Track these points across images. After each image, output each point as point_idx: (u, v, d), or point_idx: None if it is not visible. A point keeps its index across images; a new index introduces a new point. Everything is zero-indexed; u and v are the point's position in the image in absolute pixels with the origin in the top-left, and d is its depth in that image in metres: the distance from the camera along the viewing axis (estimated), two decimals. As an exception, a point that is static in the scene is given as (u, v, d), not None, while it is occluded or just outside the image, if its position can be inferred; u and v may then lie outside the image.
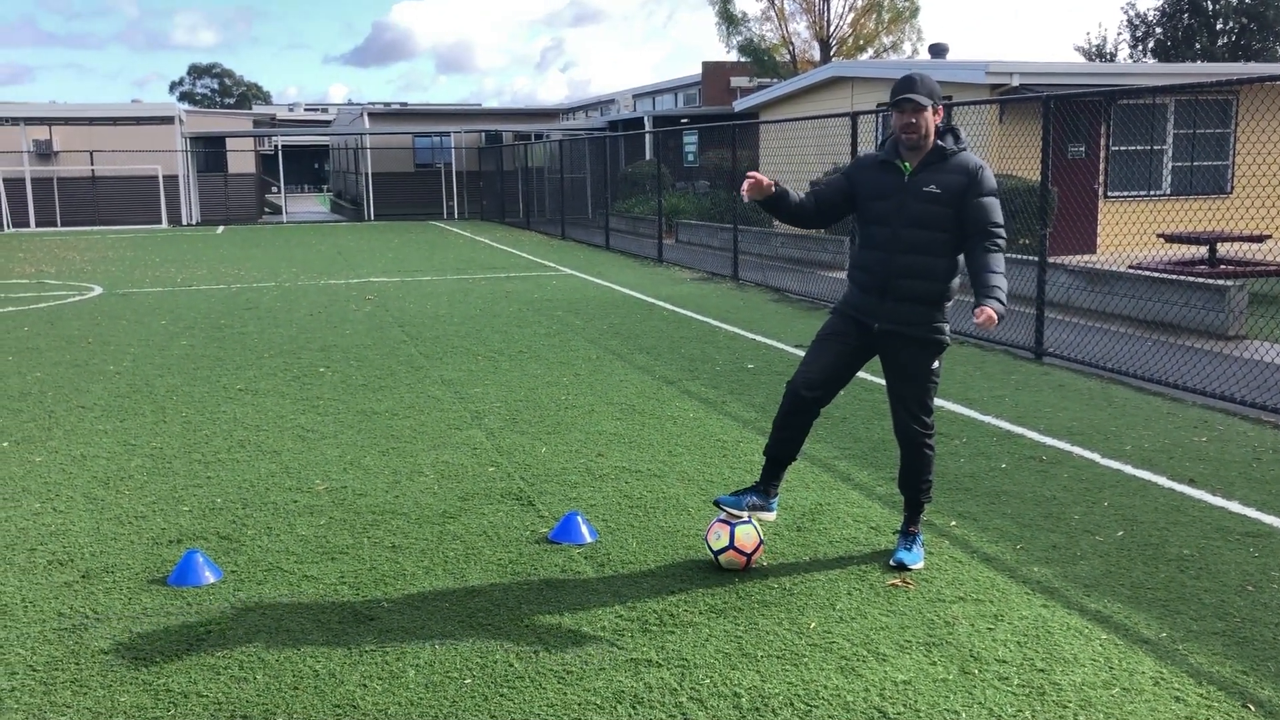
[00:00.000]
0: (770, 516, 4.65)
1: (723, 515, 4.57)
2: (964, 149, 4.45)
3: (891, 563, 4.53)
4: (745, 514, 4.57)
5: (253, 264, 19.12)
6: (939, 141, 4.42)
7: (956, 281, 4.53)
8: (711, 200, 23.51)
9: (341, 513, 5.30)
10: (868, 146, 19.16)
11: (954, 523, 5.08)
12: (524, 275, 16.67)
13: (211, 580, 4.43)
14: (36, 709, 3.42)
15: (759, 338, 10.13)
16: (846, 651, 3.78)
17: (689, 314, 11.84)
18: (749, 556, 4.49)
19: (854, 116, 12.23)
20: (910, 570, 4.49)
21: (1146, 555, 4.65)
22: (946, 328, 4.56)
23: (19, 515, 5.31)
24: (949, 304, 4.54)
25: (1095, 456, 6.15)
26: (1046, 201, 9.41)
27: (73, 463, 6.24)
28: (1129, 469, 5.90)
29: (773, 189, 4.46)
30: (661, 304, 12.74)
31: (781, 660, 3.72)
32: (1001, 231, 4.39)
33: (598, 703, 3.44)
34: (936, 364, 4.56)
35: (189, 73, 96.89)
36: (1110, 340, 9.28)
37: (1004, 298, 4.28)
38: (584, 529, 4.92)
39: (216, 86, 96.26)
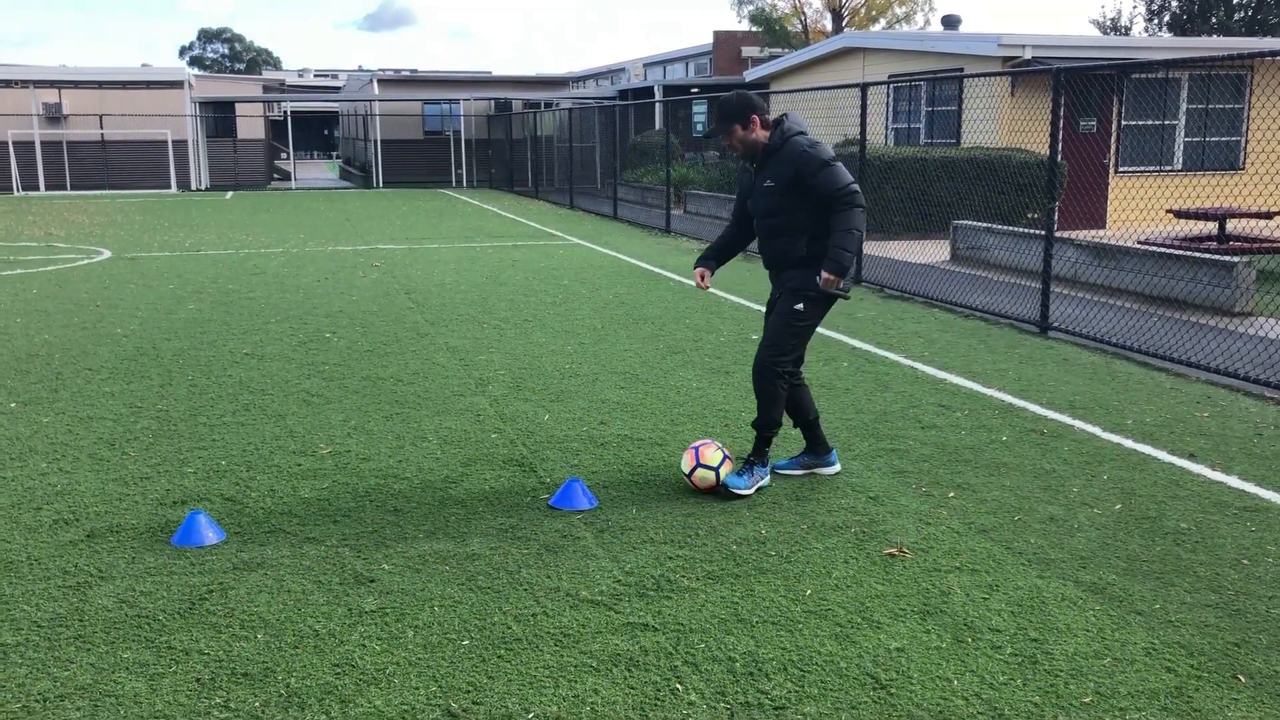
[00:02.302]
0: (831, 470, 5.40)
1: (695, 443, 5.16)
2: (789, 139, 5.00)
3: (723, 482, 5.04)
4: (801, 473, 5.34)
5: (261, 230, 19.13)
6: (765, 143, 5.05)
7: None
8: (721, 171, 23.43)
9: (345, 476, 5.35)
10: (879, 117, 19.08)
11: (952, 494, 5.10)
12: (531, 244, 16.66)
13: (214, 541, 4.47)
14: (41, 664, 3.48)
15: (763, 309, 10.12)
16: (841, 618, 3.82)
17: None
18: (716, 470, 5.04)
19: (864, 87, 12.17)
20: (733, 492, 5.00)
21: (1144, 528, 4.67)
22: (819, 279, 4.97)
23: (26, 474, 5.36)
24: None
25: (1096, 430, 6.16)
26: (1056, 175, 9.36)
27: (79, 424, 6.28)
28: (1129, 443, 5.91)
29: (712, 265, 5.41)
30: (668, 274, 12.74)
31: (777, 626, 3.76)
32: (847, 190, 4.89)
33: (594, 665, 3.48)
34: (800, 306, 5.05)
35: (199, 37, 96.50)
36: (1116, 315, 9.26)
37: (845, 258, 4.88)
38: (584, 496, 4.96)
39: (226, 51, 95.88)
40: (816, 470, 5.36)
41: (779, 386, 5.12)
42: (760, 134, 5.05)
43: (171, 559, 4.31)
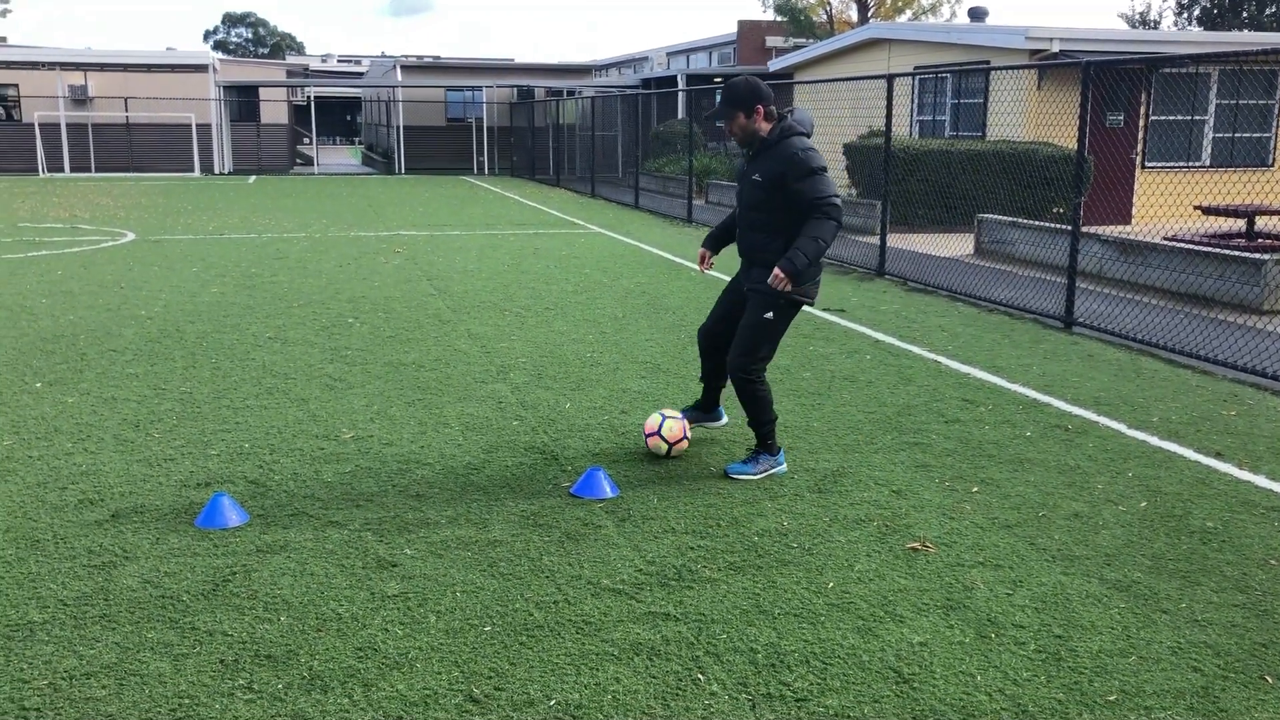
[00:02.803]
0: (720, 423, 5.82)
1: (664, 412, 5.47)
2: (786, 138, 5.00)
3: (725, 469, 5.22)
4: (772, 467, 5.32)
5: (284, 214, 19.19)
6: (764, 136, 5.05)
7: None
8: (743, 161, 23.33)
9: (367, 461, 5.36)
10: (903, 109, 18.96)
11: (975, 489, 5.07)
12: (552, 232, 16.66)
13: (238, 523, 4.49)
14: (67, 642, 3.50)
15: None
16: (864, 612, 3.80)
17: (716, 274, 11.79)
18: (670, 443, 5.37)
19: (890, 79, 12.09)
20: (733, 478, 5.13)
21: (1169, 526, 4.63)
22: (792, 288, 5.02)
23: (51, 454, 5.40)
24: (805, 269, 5.03)
25: (1121, 427, 6.11)
26: (1083, 170, 9.29)
27: (104, 404, 6.32)
28: (1155, 440, 5.87)
29: (712, 247, 5.52)
30: (689, 264, 12.71)
31: (799, 618, 3.74)
32: (826, 201, 4.90)
33: (615, 654, 3.48)
34: (770, 315, 5.09)
35: (223, 21, 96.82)
36: (1142, 311, 9.18)
37: (799, 259, 4.88)
38: (605, 484, 4.96)
39: (250, 36, 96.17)
40: (706, 424, 5.76)
41: (758, 389, 5.20)
42: (762, 124, 5.05)
43: (195, 540, 4.33)
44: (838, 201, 4.94)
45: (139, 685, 3.25)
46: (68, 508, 4.68)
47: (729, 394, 5.69)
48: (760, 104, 5.02)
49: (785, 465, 5.30)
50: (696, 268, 5.56)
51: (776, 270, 4.90)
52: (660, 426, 5.40)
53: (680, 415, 5.48)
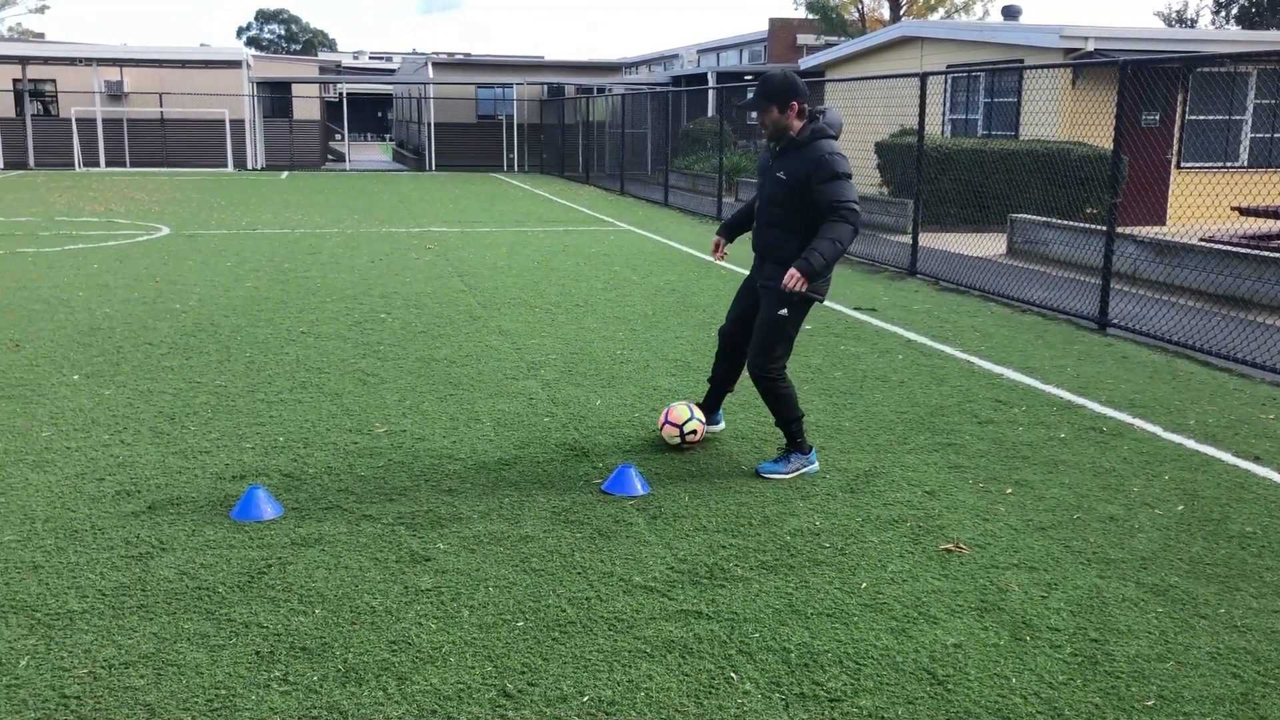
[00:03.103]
0: (717, 428, 5.80)
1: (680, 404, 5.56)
2: (816, 139, 4.97)
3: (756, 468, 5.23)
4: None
5: (316, 210, 19.32)
6: (794, 134, 5.02)
7: None
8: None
9: (400, 455, 5.39)
10: (936, 107, 18.84)
11: (1010, 490, 5.04)
12: (582, 230, 16.68)
13: (273, 516, 4.53)
14: (106, 631, 3.54)
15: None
16: (897, 613, 3.78)
17: (730, 266, 11.79)
18: (680, 427, 5.46)
19: (924, 77, 12.02)
20: (764, 477, 5.12)
21: (1207, 531, 4.58)
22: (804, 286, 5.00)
23: (89, 445, 5.46)
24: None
25: (1157, 430, 6.05)
26: (1118, 170, 9.19)
27: (140, 397, 6.39)
28: (1192, 444, 5.80)
29: (726, 235, 5.56)
30: (719, 263, 12.69)
31: (832, 618, 3.73)
32: (846, 205, 4.89)
33: (648, 651, 3.48)
34: (784, 311, 5.09)
35: (256, 17, 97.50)
36: (1177, 313, 9.08)
37: (815, 260, 4.85)
38: (637, 481, 4.96)
39: (283, 32, 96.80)
40: (707, 428, 5.73)
41: (779, 387, 5.19)
42: (794, 121, 5.01)
43: (231, 533, 4.37)
44: (857, 208, 4.94)
45: (176, 675, 3.28)
46: (105, 499, 4.73)
47: (750, 394, 5.68)
48: (795, 100, 4.99)
49: (817, 464, 5.28)
50: (741, 269, 5.55)
51: (792, 270, 4.86)
52: (684, 424, 5.47)
53: (704, 420, 5.57)
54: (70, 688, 3.20)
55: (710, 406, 5.73)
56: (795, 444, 5.23)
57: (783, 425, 5.24)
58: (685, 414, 5.48)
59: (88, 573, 3.97)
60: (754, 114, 5.06)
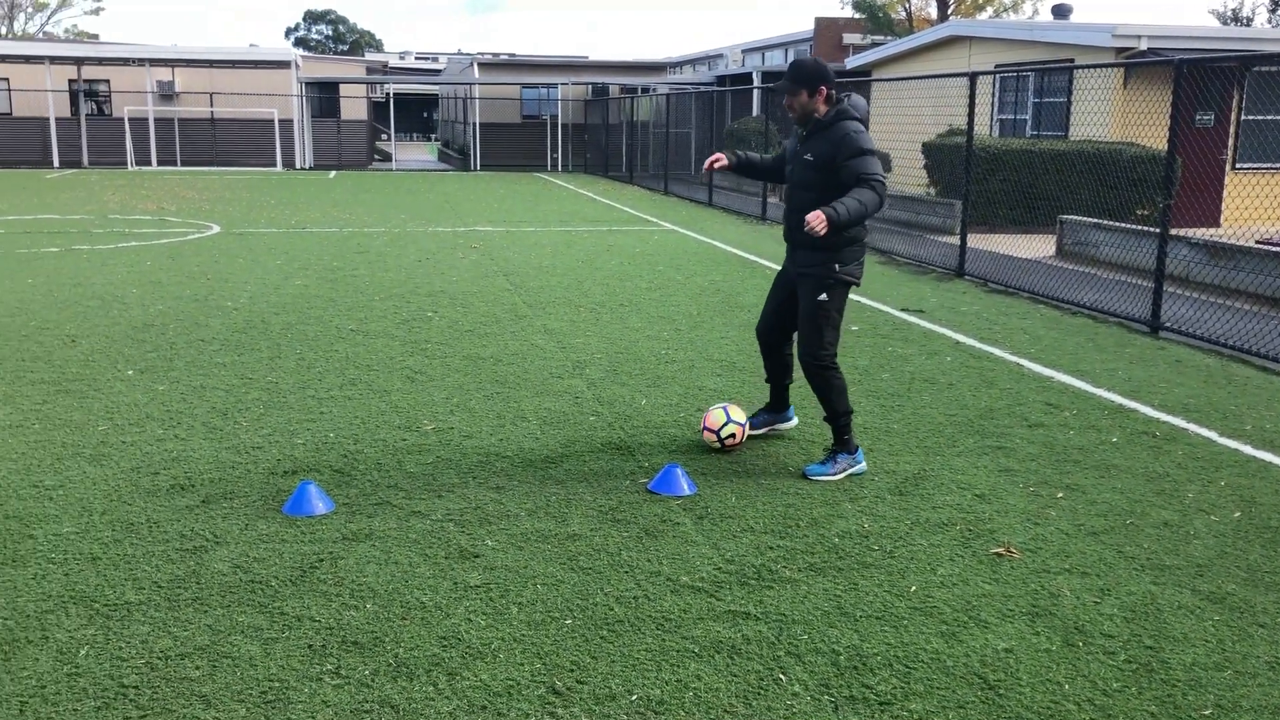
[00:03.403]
0: (790, 424, 5.81)
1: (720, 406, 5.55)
2: (840, 120, 5.07)
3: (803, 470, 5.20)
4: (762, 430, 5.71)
5: (363, 209, 19.50)
6: (819, 117, 5.13)
7: (853, 233, 5.13)
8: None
9: (448, 453, 5.43)
10: (984, 107, 18.65)
11: (1061, 494, 4.98)
12: (626, 229, 16.70)
13: (324, 511, 4.58)
14: (162, 623, 3.60)
15: (864, 300, 10.01)
16: (947, 616, 3.75)
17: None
18: (717, 433, 5.43)
19: (973, 77, 11.91)
20: (811, 479, 5.10)
21: (1265, 538, 4.50)
22: (838, 266, 5.14)
23: (144, 440, 5.55)
24: (846, 249, 5.14)
25: (1212, 435, 5.95)
26: (1172, 171, 9.06)
27: (193, 393, 6.48)
28: (1248, 449, 5.70)
29: (734, 159, 5.53)
30: (764, 262, 12.66)
31: (881, 621, 3.71)
32: (873, 177, 4.97)
33: (696, 651, 3.48)
34: (824, 296, 5.16)
35: (304, 18, 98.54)
36: (1232, 317, 8.93)
37: (842, 211, 4.87)
38: (683, 481, 4.96)
39: (330, 33, 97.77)
40: (777, 426, 5.76)
41: (832, 377, 5.23)
42: (820, 106, 5.14)
43: (283, 527, 4.42)
44: (882, 180, 5.03)
45: (231, 667, 3.33)
46: (160, 492, 4.81)
47: (803, 392, 5.65)
48: (824, 85, 5.12)
49: (865, 464, 5.26)
50: (709, 167, 5.53)
51: (816, 212, 4.83)
52: (721, 429, 5.44)
53: (744, 421, 5.50)
54: (129, 677, 3.26)
55: (777, 405, 5.74)
56: (842, 442, 5.21)
57: (832, 419, 5.23)
58: (722, 418, 5.46)
59: (144, 565, 4.04)
60: (784, 98, 5.21)
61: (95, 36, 63.41)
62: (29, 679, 3.24)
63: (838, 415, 5.20)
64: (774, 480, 5.12)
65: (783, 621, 3.69)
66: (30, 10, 61.34)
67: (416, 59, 71.59)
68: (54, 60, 33.10)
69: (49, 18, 63.11)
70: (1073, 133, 16.65)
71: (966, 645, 3.55)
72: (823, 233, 4.86)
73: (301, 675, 3.29)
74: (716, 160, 5.47)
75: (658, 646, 3.51)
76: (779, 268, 5.67)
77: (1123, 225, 12.40)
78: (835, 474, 5.13)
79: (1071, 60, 17.20)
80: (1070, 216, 13.49)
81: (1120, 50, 16.46)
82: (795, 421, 5.82)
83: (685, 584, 3.97)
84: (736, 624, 3.67)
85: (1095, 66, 11.49)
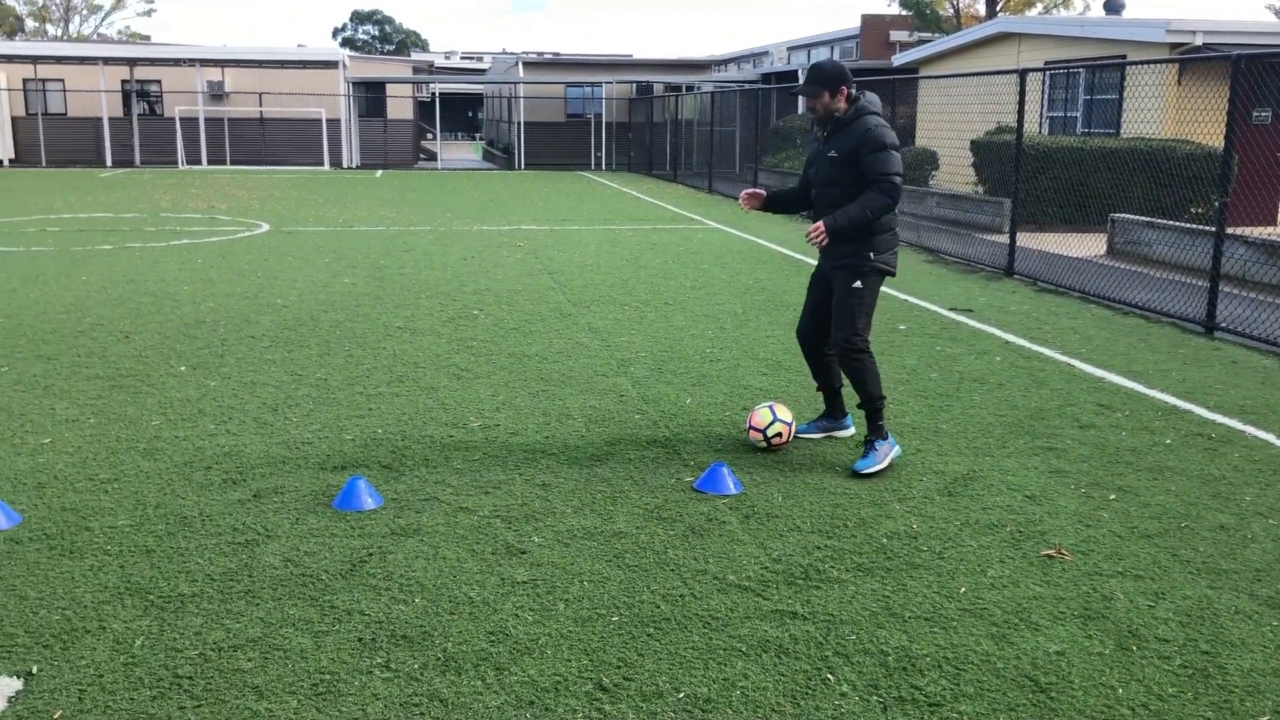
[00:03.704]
0: (847, 431, 5.77)
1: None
2: (860, 116, 5.20)
3: (851, 469, 5.23)
4: (819, 435, 5.73)
5: (410, 208, 19.65)
6: (839, 115, 5.26)
7: (884, 221, 5.23)
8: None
9: (494, 449, 5.45)
10: (1033, 105, 18.43)
11: (1113, 496, 4.91)
12: (670, 227, 16.69)
13: (373, 506, 4.62)
14: (215, 615, 3.65)
15: (911, 299, 9.93)
16: (998, 618, 3.71)
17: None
18: (763, 432, 5.42)
19: (1023, 74, 11.77)
20: (861, 475, 5.12)
21: (1324, 543, 4.41)
22: (872, 255, 5.24)
23: (196, 435, 5.63)
24: (878, 237, 5.24)
25: (1270, 438, 5.84)
26: (1229, 169, 8.90)
27: (244, 388, 6.57)
28: (1307, 452, 5.59)
29: (765, 197, 5.63)
30: (810, 261, 12.59)
31: (930, 622, 3.68)
32: (888, 178, 5.10)
33: (743, 650, 3.47)
34: (858, 284, 5.25)
35: (351, 18, 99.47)
36: (1290, 317, 8.75)
37: (842, 219, 5.11)
38: (729, 480, 4.94)
39: (377, 33, 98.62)
40: (835, 433, 5.75)
41: (864, 361, 5.31)
42: (841, 105, 5.27)
43: (333, 521, 4.47)
44: (897, 181, 5.13)
45: (282, 659, 3.37)
46: (213, 486, 4.87)
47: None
48: (844, 85, 5.25)
49: (899, 446, 5.39)
50: (744, 204, 5.65)
51: (817, 224, 5.12)
52: (767, 428, 5.43)
53: (790, 420, 5.49)
54: (183, 668, 3.30)
55: (834, 411, 5.75)
56: (875, 429, 5.29)
57: (866, 404, 5.31)
58: (768, 417, 5.45)
59: (197, 558, 4.10)
60: (806, 100, 5.32)
61: (147, 38, 64.45)
62: (87, 668, 3.30)
63: (872, 399, 5.29)
64: (821, 479, 5.09)
65: (830, 621, 3.67)
66: (85, 12, 62.48)
67: (462, 58, 72.02)
68: (108, 61, 33.69)
69: (103, 19, 64.25)
70: (1125, 130, 16.40)
71: (1017, 647, 3.51)
72: (825, 244, 5.15)
73: (351, 668, 3.32)
74: (754, 195, 5.63)
75: (704, 645, 3.50)
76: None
77: (1176, 224, 12.20)
78: (881, 462, 5.20)
79: (1124, 56, 16.95)
80: (1122, 215, 13.30)
81: (1174, 46, 16.20)
82: (853, 430, 5.77)
83: (732, 583, 3.96)
84: (784, 623, 3.65)
85: (1149, 63, 11.31)
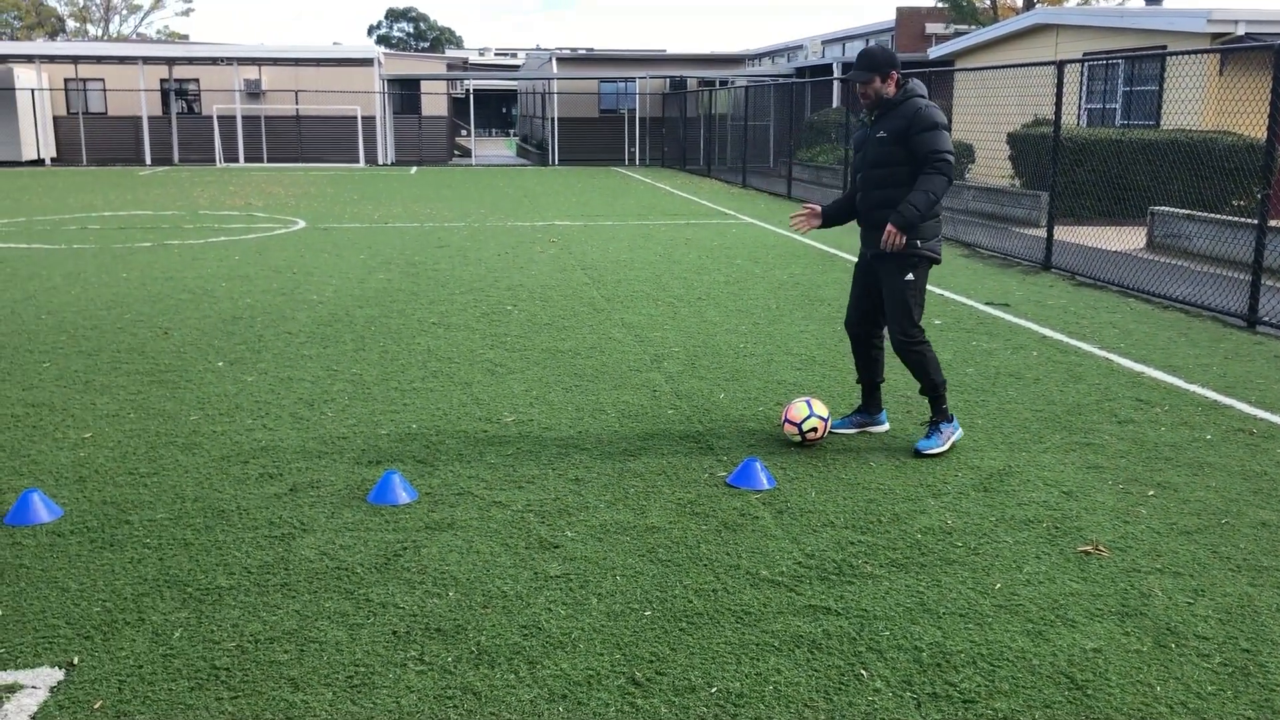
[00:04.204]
0: (882, 428, 5.72)
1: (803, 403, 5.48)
2: (910, 97, 5.27)
3: (914, 449, 5.34)
4: (853, 431, 5.67)
5: (444, 204, 19.74)
6: (888, 97, 5.32)
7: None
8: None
9: (528, 444, 5.47)
10: (1071, 97, 18.23)
11: (1152, 492, 4.85)
12: (704, 223, 16.66)
13: (407, 500, 4.65)
14: (252, 608, 3.69)
15: (947, 293, 9.85)
16: (1033, 615, 3.68)
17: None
18: (799, 425, 5.38)
19: (1061, 65, 11.64)
20: (926, 455, 5.26)
21: (1369, 540, 4.33)
22: (920, 243, 5.27)
23: (234, 429, 5.69)
24: (925, 224, 5.25)
25: (1313, 433, 5.75)
26: (1272, 160, 8.76)
27: (280, 384, 6.63)
28: (1352, 448, 5.49)
29: (818, 210, 5.73)
30: (844, 255, 12.53)
31: (965, 619, 3.65)
32: (941, 156, 5.14)
33: (776, 645, 3.46)
34: (910, 276, 5.31)
35: (386, 16, 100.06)
36: (1334, 311, 8.60)
37: (910, 212, 5.13)
38: (762, 475, 4.93)
39: (411, 30, 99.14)
40: (869, 428, 5.72)
41: (924, 351, 5.39)
42: (891, 89, 5.34)
43: (368, 515, 4.50)
44: (950, 158, 5.18)
45: (318, 652, 3.40)
46: (250, 480, 4.93)
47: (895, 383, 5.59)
48: (894, 70, 5.34)
49: (961, 430, 5.52)
50: (799, 225, 5.74)
51: (888, 228, 5.15)
52: (803, 421, 5.41)
53: (826, 416, 5.46)
54: (220, 659, 3.34)
55: (870, 406, 5.73)
56: (940, 411, 5.41)
57: (930, 390, 5.40)
58: (804, 411, 5.43)
59: (234, 551, 4.15)
60: (859, 86, 5.36)
61: (185, 37, 65.16)
62: (126, 659, 3.34)
63: (935, 386, 5.39)
64: (854, 475, 5.07)
65: (864, 617, 3.65)
66: (124, 13, 63.28)
67: (496, 55, 72.24)
68: (147, 61, 34.08)
69: (142, 19, 65.02)
70: (1165, 122, 16.18)
71: (1053, 644, 3.48)
72: (903, 244, 5.17)
73: (386, 661, 3.35)
74: (810, 215, 5.75)
75: (737, 640, 3.50)
76: (854, 259, 5.66)
77: (1217, 216, 12.02)
78: (943, 444, 5.34)
79: (1164, 47, 16.72)
80: (1161, 208, 13.13)
81: (1216, 36, 15.96)
82: (887, 426, 5.75)
83: (765, 578, 3.95)
84: (817, 619, 3.64)
85: (1189, 53, 11.14)
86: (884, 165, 5.32)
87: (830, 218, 5.73)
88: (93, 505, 4.60)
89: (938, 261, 5.42)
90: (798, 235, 14.71)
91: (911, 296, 5.34)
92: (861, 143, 5.49)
